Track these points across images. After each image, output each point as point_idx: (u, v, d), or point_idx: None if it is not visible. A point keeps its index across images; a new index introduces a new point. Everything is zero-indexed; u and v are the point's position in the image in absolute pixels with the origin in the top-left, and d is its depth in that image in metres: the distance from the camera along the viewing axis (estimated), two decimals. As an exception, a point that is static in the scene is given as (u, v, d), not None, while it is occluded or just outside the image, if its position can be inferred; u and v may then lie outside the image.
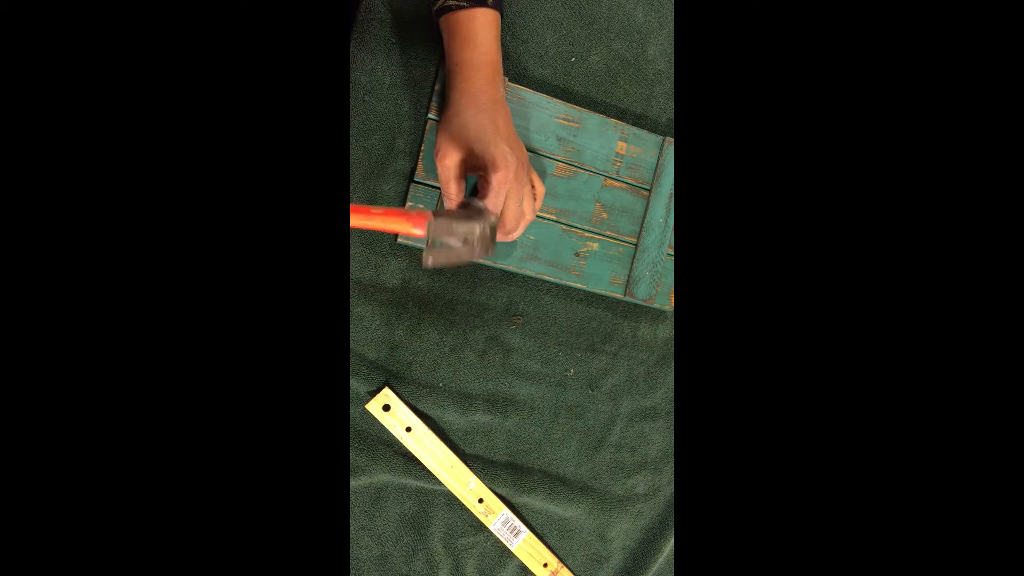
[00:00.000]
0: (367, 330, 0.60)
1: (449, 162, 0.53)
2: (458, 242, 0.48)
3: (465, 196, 0.57)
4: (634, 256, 0.65)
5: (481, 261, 0.61)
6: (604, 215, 0.64)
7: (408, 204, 0.59)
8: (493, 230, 0.51)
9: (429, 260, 0.47)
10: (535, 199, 0.58)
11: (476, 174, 0.54)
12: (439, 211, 0.49)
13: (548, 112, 0.61)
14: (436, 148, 0.54)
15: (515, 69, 0.61)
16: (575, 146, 0.62)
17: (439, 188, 0.58)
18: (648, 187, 0.65)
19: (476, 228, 0.48)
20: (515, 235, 0.56)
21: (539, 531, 0.67)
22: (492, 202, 0.52)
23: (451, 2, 0.51)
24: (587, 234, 0.64)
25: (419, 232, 0.48)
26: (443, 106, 0.54)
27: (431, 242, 0.47)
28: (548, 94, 0.61)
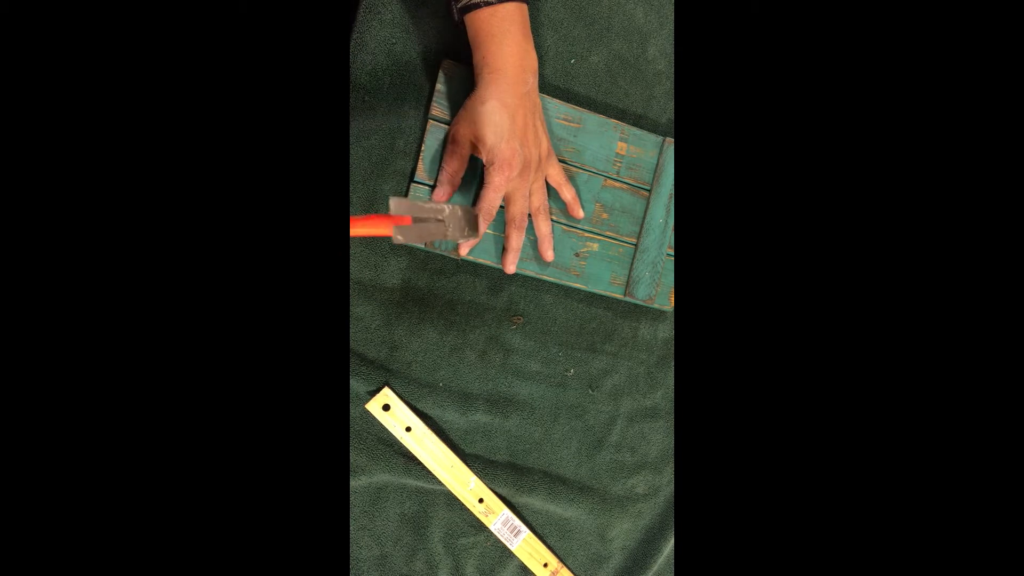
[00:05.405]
0: (367, 330, 0.60)
1: (458, 136, 0.55)
2: (425, 219, 0.48)
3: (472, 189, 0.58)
4: (634, 256, 0.65)
5: (481, 261, 0.61)
6: (604, 215, 0.64)
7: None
8: (472, 216, 0.52)
9: (399, 238, 0.47)
10: (568, 205, 0.61)
11: (481, 158, 0.55)
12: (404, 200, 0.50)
13: (548, 112, 0.61)
14: (453, 122, 0.56)
15: (515, 69, 0.61)
16: (575, 146, 0.62)
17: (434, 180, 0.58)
18: (648, 187, 0.65)
19: (446, 208, 0.49)
20: (546, 231, 0.60)
21: (539, 531, 0.67)
22: (488, 197, 0.53)
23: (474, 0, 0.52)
24: (587, 234, 0.64)
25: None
26: (473, 89, 0.55)
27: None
28: (548, 94, 0.61)
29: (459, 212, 0.51)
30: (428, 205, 0.49)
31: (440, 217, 0.49)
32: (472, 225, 0.53)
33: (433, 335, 0.62)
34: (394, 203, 0.47)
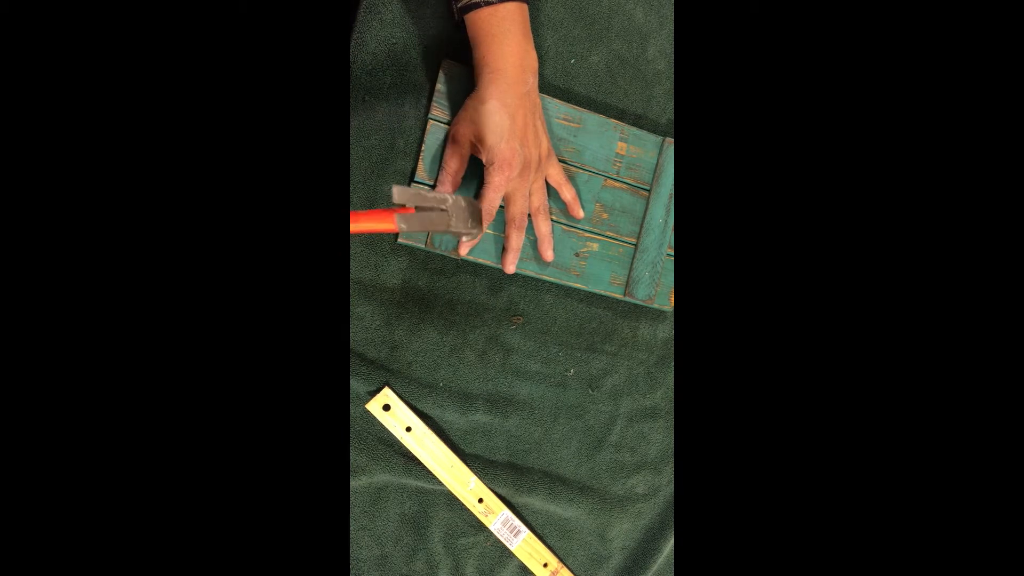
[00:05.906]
0: (367, 330, 0.60)
1: (459, 136, 0.55)
2: (428, 209, 0.47)
3: (471, 195, 0.58)
4: (634, 256, 0.65)
5: (481, 261, 0.61)
6: (604, 215, 0.64)
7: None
8: (475, 208, 0.51)
9: (403, 226, 0.46)
10: (568, 205, 0.61)
11: (481, 158, 0.55)
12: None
13: (548, 112, 0.61)
14: (453, 122, 0.56)
15: (515, 69, 0.61)
16: (575, 146, 0.62)
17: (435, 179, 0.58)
18: (648, 187, 0.65)
19: (449, 198, 0.48)
20: (546, 232, 0.60)
21: (539, 531, 0.67)
22: (488, 197, 0.53)
23: None
24: (587, 234, 0.64)
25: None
26: (473, 89, 0.55)
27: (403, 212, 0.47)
28: (548, 94, 0.61)
29: (462, 203, 0.50)
30: (431, 194, 0.48)
31: (443, 207, 0.48)
32: (476, 217, 0.52)
33: (433, 335, 0.62)
34: (397, 191, 0.46)
